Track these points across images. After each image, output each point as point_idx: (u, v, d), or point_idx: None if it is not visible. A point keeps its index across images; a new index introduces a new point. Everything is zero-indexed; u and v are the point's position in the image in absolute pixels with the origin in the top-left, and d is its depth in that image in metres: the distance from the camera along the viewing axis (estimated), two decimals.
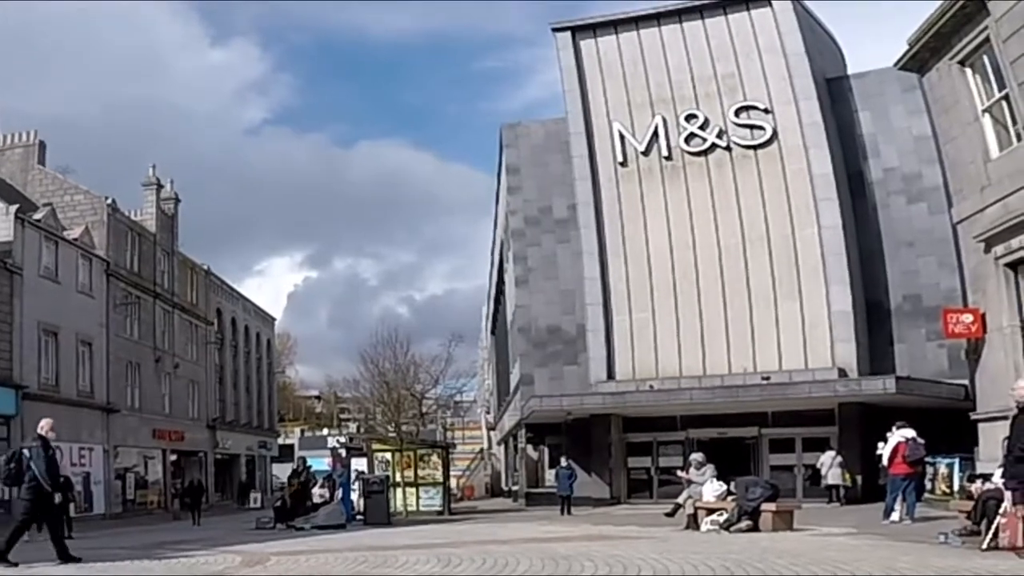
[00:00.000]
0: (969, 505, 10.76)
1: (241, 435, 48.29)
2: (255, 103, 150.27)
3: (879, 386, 24.08)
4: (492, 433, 53.05)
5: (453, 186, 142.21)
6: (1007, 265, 14.21)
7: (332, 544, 13.34)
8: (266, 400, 55.35)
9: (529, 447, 34.93)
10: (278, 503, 22.81)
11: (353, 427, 68.67)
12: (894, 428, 15.48)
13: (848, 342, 26.50)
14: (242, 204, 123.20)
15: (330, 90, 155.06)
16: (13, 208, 28.31)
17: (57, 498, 10.66)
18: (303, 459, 27.85)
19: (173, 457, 39.34)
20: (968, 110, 14.93)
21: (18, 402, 26.65)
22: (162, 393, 38.37)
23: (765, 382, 25.92)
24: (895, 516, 14.66)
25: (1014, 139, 13.99)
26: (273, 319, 59.42)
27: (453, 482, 36.11)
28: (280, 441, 60.10)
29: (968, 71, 14.93)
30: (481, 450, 53.47)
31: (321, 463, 39.38)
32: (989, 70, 14.40)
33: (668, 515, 15.69)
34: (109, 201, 34.68)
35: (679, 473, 17.49)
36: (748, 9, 29.21)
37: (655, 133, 29.46)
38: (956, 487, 18.26)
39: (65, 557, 10.59)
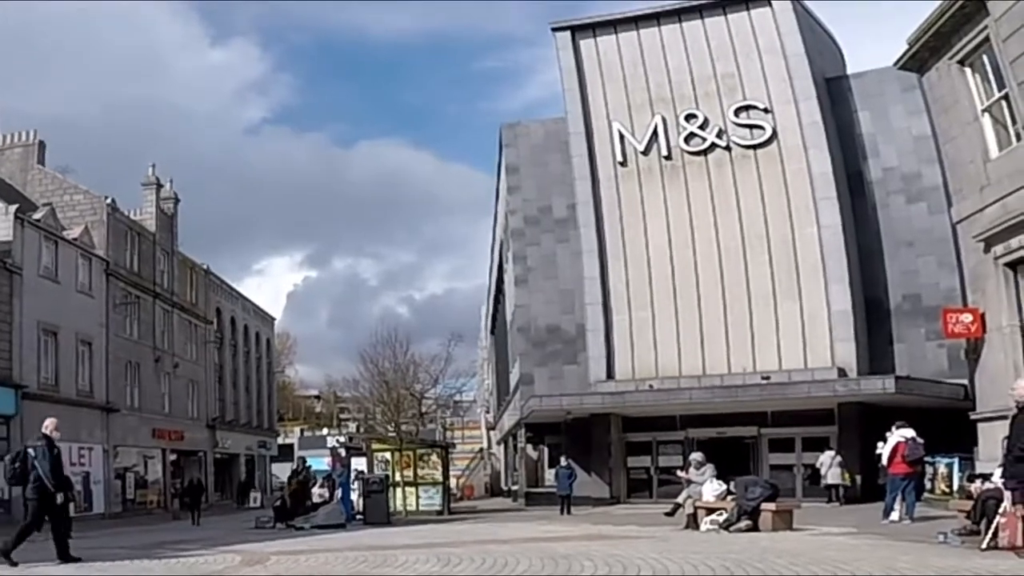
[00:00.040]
0: (968, 505, 10.76)
1: (241, 435, 48.29)
2: (255, 103, 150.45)
3: (879, 386, 24.09)
4: (492, 433, 53.05)
5: (453, 186, 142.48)
6: (1007, 265, 14.21)
7: (332, 544, 13.34)
8: (266, 400, 55.36)
9: (529, 447, 34.94)
10: (278, 503, 22.81)
11: (353, 427, 68.68)
12: (893, 428, 15.49)
13: (848, 342, 26.51)
14: (242, 204, 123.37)
15: (330, 90, 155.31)
16: (13, 208, 28.31)
17: (60, 498, 10.64)
18: (303, 459, 27.85)
19: (173, 457, 39.33)
20: (967, 110, 14.93)
21: (18, 402, 26.64)
22: (162, 393, 38.36)
23: (764, 382, 25.93)
24: (894, 516, 14.67)
25: (1013, 139, 13.99)
26: (273, 319, 59.46)
27: (453, 482, 36.13)
28: (280, 441, 60.10)
29: (968, 71, 14.93)
30: (481, 450, 53.48)
31: (321, 463, 39.40)
32: (989, 70, 14.40)
33: (668, 515, 15.69)
34: (109, 201, 34.67)
35: (679, 473, 17.50)
36: (748, 9, 29.22)
37: (655, 133, 29.47)
38: (955, 487, 18.27)
39: (65, 557, 10.59)
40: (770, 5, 28.83)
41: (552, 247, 31.94)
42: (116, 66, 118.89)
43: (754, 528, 13.46)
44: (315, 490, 24.24)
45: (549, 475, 31.46)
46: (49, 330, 29.61)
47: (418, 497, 26.80)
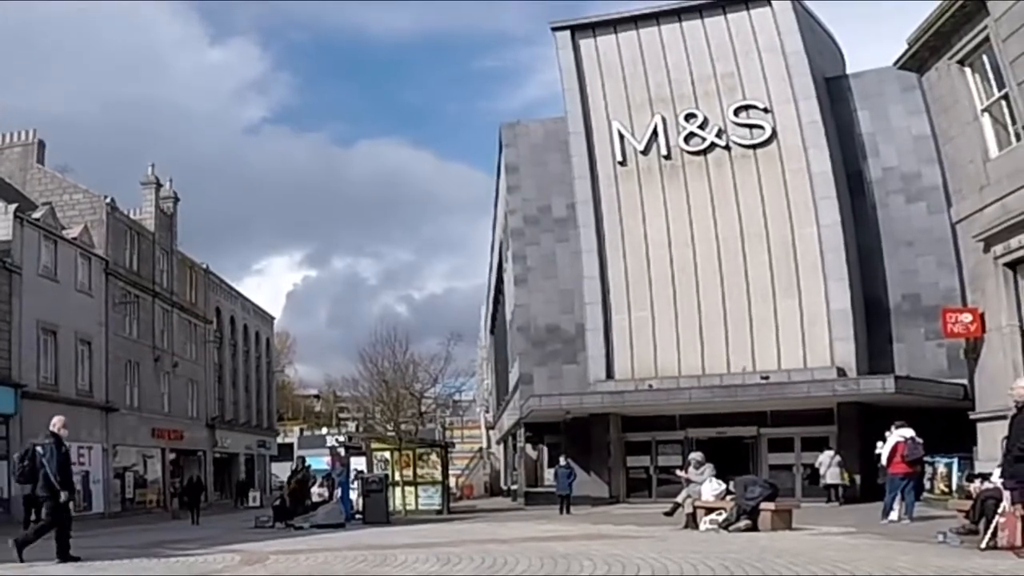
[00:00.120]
0: (968, 504, 10.75)
1: (240, 434, 48.28)
2: (254, 102, 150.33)
3: (878, 385, 24.11)
4: (491, 432, 53.06)
5: (452, 185, 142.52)
6: (1006, 265, 14.20)
7: (331, 543, 13.33)
8: (265, 399, 55.35)
9: (528, 446, 34.95)
10: (277, 502, 22.79)
11: (352, 426, 68.60)
12: (893, 427, 15.48)
13: (847, 341, 26.52)
14: (241, 203, 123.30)
15: (329, 89, 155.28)
16: (12, 207, 28.30)
17: (63, 496, 10.62)
18: (302, 458, 27.83)
19: (172, 456, 39.32)
20: (967, 110, 14.93)
21: (17, 401, 26.63)
22: (161, 392, 38.35)
23: (764, 381, 25.95)
24: (894, 515, 14.66)
25: (1013, 139, 13.98)
26: (272, 318, 59.46)
27: (452, 481, 36.12)
28: (279, 440, 60.08)
29: (967, 70, 14.92)
30: (480, 449, 53.48)
31: (320, 462, 39.46)
32: (988, 69, 14.39)
33: (667, 514, 15.68)
34: (108, 200, 34.65)
35: (678, 472, 17.49)
36: (747, 8, 29.22)
37: (654, 132, 29.47)
38: (955, 486, 18.27)
39: (65, 556, 10.58)
40: (770, 5, 28.83)
41: (552, 247, 31.94)
42: (116, 65, 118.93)
43: (753, 528, 13.46)
44: (314, 489, 24.25)
45: (548, 475, 31.46)
46: (48, 329, 29.60)
47: (417, 496, 26.83)
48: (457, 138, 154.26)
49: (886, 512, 14.84)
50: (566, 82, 30.72)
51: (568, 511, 23.69)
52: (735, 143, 28.72)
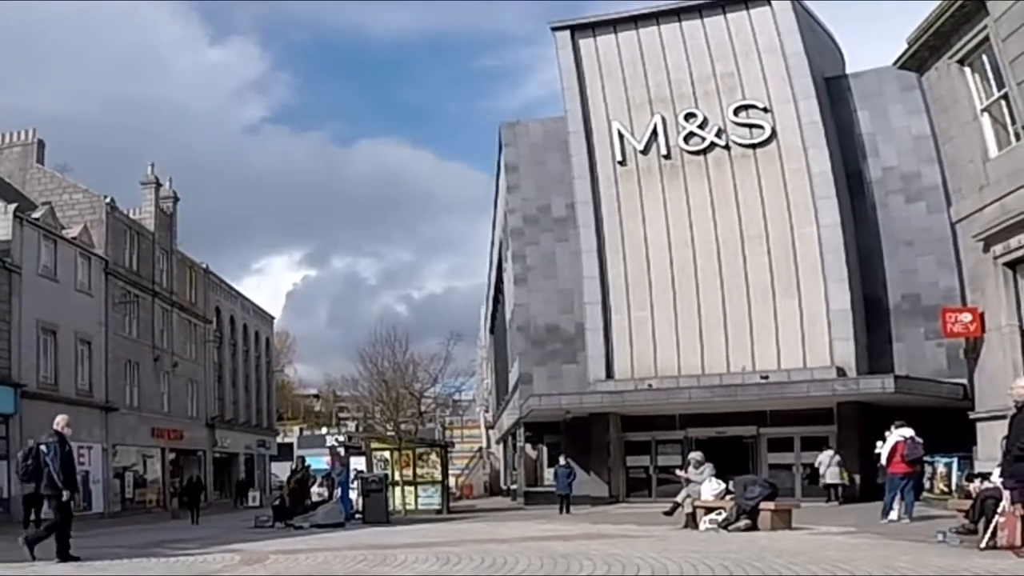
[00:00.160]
0: (967, 504, 10.75)
1: (240, 434, 48.27)
2: (254, 102, 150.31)
3: (878, 385, 24.11)
4: (491, 432, 53.05)
5: (452, 185, 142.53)
6: (1006, 264, 14.20)
7: (331, 543, 13.34)
8: (265, 399, 55.33)
9: (528, 446, 34.95)
10: (277, 502, 22.79)
11: (352, 426, 68.56)
12: (892, 427, 15.48)
13: (847, 341, 26.52)
14: (241, 202, 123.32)
15: (329, 89, 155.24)
16: (12, 207, 28.29)
17: (66, 495, 10.61)
18: (302, 458, 27.85)
19: (172, 456, 39.30)
20: (967, 109, 14.93)
21: (17, 401, 26.62)
22: (161, 392, 38.34)
23: (764, 381, 25.96)
24: (893, 515, 14.66)
25: (1013, 138, 13.98)
26: (272, 318, 59.44)
27: (452, 481, 36.11)
28: (279, 440, 60.07)
29: (967, 70, 14.92)
30: (480, 449, 53.48)
31: (320, 462, 39.43)
32: (988, 69, 14.38)
33: (667, 514, 15.68)
34: (108, 200, 34.64)
35: (678, 472, 17.50)
36: (747, 8, 29.22)
37: (654, 132, 29.48)
38: (954, 486, 18.27)
39: (65, 556, 10.58)
40: (769, 5, 28.83)
41: (551, 246, 31.94)
42: (115, 65, 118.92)
43: (753, 527, 13.46)
44: (314, 489, 24.25)
45: (548, 474, 31.47)
46: (48, 329, 29.59)
47: (417, 496, 26.84)
48: (457, 138, 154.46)
49: (886, 512, 14.84)
50: (566, 82, 30.73)
51: (568, 511, 23.69)
52: (735, 143, 28.73)
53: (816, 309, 27.04)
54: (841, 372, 25.94)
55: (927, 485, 18.91)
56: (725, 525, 13.66)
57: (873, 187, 28.87)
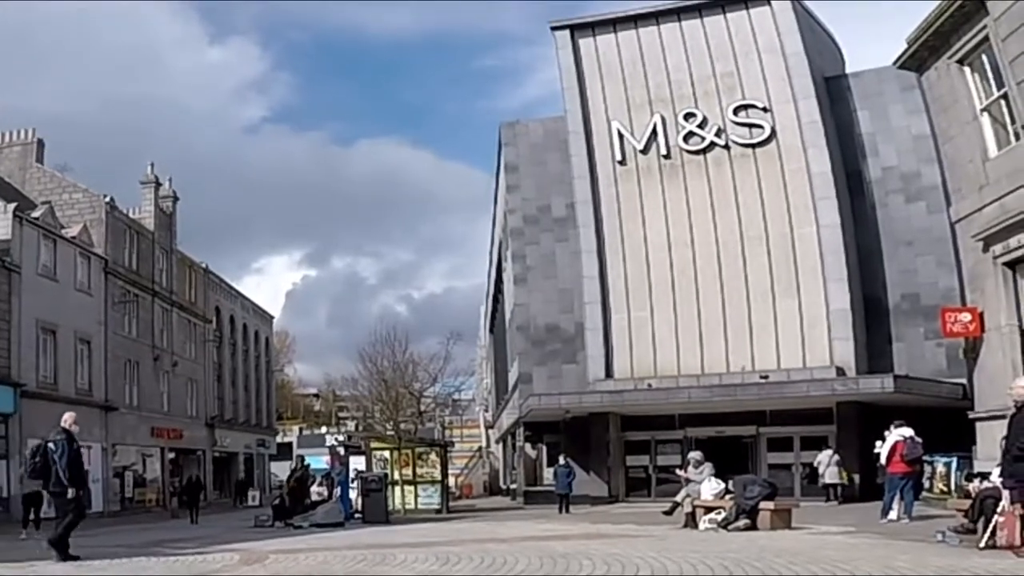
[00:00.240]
0: (967, 504, 10.74)
1: (239, 433, 48.29)
2: (254, 101, 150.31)
3: (877, 385, 24.11)
4: (490, 431, 53.03)
5: (452, 184, 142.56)
6: (1005, 264, 14.20)
7: (330, 542, 13.33)
8: (264, 398, 55.35)
9: (527, 445, 34.94)
10: (276, 501, 22.79)
11: (351, 425, 68.58)
12: (892, 427, 15.48)
13: (846, 340, 26.52)
14: (241, 202, 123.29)
15: (329, 88, 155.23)
16: (11, 206, 28.29)
17: (71, 492, 10.62)
18: (301, 457, 27.83)
19: (171, 455, 39.33)
20: (967, 109, 14.93)
21: (16, 400, 26.63)
22: (160, 391, 38.34)
23: (763, 381, 25.95)
24: (893, 515, 14.66)
25: (1012, 138, 13.98)
26: (272, 317, 59.46)
27: (451, 480, 36.10)
28: (278, 439, 60.11)
29: (967, 70, 14.92)
30: (479, 448, 53.46)
31: (319, 461, 39.38)
32: (988, 69, 14.38)
33: (666, 513, 15.68)
34: (107, 199, 34.65)
35: (677, 471, 17.50)
36: (747, 8, 29.21)
37: (654, 132, 29.47)
38: (954, 486, 18.27)
39: (64, 555, 10.58)
40: (769, 4, 28.82)
41: (551, 246, 31.94)
42: (115, 65, 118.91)
43: (752, 527, 13.46)
44: (313, 488, 24.24)
45: (548, 474, 31.47)
46: (48, 328, 29.59)
47: (417, 496, 26.84)
48: (457, 137, 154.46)
49: (885, 511, 14.84)
50: (565, 81, 30.72)
51: (567, 510, 23.69)
52: (734, 142, 28.72)
53: (816, 309, 27.04)
54: (841, 372, 25.94)
55: (926, 485, 18.91)
56: (724, 525, 13.66)
57: (873, 187, 28.87)
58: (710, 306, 28.03)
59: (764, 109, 28.55)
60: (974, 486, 11.23)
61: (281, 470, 42.94)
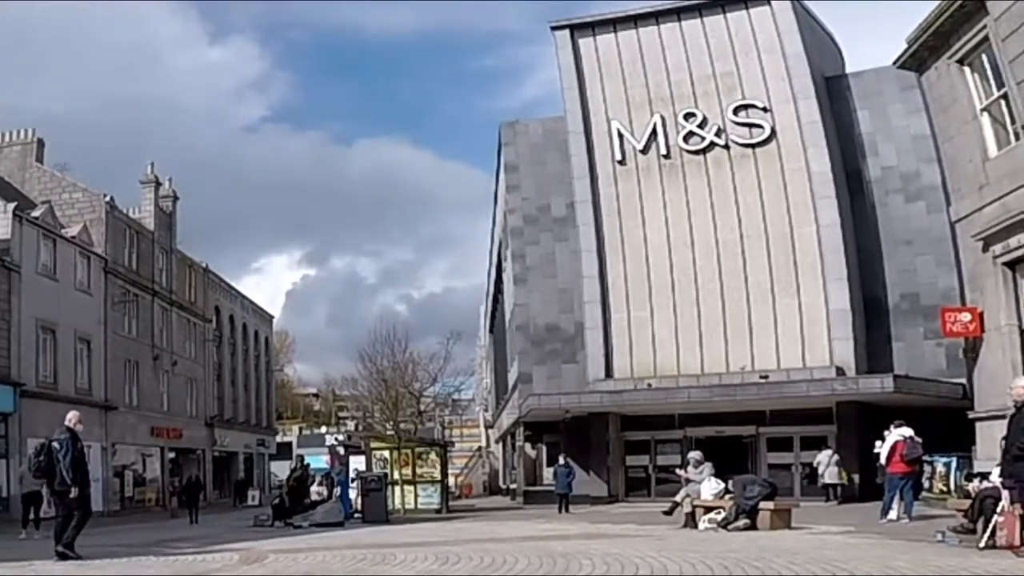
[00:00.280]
0: (966, 504, 10.74)
1: (239, 433, 48.29)
2: (254, 101, 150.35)
3: (877, 385, 24.10)
4: (490, 431, 53.04)
5: (451, 184, 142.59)
6: (1005, 264, 14.20)
7: (330, 542, 13.34)
8: (264, 398, 55.35)
9: (527, 445, 34.93)
10: (276, 501, 22.79)
11: (351, 425, 68.62)
12: (892, 427, 15.48)
13: (846, 340, 26.52)
14: (240, 202, 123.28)
15: (329, 88, 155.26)
16: (11, 206, 28.28)
17: (74, 492, 10.61)
18: (301, 457, 27.83)
19: (171, 455, 39.33)
20: (966, 109, 14.92)
21: (16, 400, 26.62)
22: (160, 391, 38.34)
23: (763, 381, 25.95)
24: (892, 515, 14.67)
25: (1012, 138, 13.97)
26: (271, 317, 59.45)
27: (451, 480, 36.11)
28: (278, 439, 60.12)
29: (967, 70, 14.92)
30: (479, 448, 53.49)
31: (319, 461, 39.38)
32: (988, 69, 14.38)
33: (666, 513, 15.68)
34: (107, 199, 34.64)
35: (677, 471, 17.50)
36: (747, 8, 29.21)
37: (653, 131, 29.47)
38: (954, 486, 18.27)
39: (64, 555, 10.57)
40: (769, 4, 28.81)
41: (551, 246, 31.93)
42: (115, 64, 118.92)
43: (752, 527, 13.46)
44: (313, 488, 24.22)
45: (547, 474, 31.44)
46: (48, 328, 29.59)
47: (416, 495, 26.81)
48: (456, 137, 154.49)
49: (885, 511, 14.84)
50: (565, 81, 30.71)
51: (567, 510, 23.70)
52: (734, 142, 28.72)
53: (815, 309, 27.04)
54: (840, 372, 25.94)
55: (926, 485, 18.90)
56: (724, 525, 13.66)
57: (872, 187, 28.87)
58: (710, 306, 28.03)
59: (764, 109, 28.54)
60: (974, 486, 11.23)
61: (281, 470, 42.94)
